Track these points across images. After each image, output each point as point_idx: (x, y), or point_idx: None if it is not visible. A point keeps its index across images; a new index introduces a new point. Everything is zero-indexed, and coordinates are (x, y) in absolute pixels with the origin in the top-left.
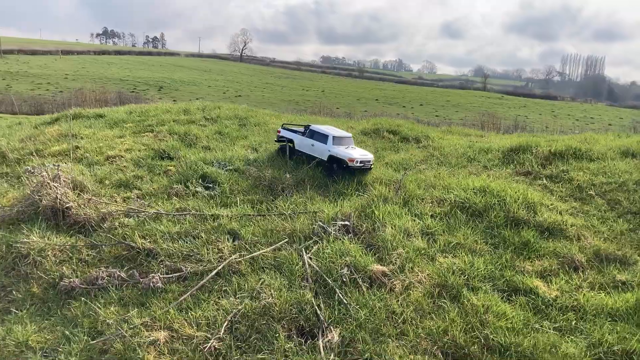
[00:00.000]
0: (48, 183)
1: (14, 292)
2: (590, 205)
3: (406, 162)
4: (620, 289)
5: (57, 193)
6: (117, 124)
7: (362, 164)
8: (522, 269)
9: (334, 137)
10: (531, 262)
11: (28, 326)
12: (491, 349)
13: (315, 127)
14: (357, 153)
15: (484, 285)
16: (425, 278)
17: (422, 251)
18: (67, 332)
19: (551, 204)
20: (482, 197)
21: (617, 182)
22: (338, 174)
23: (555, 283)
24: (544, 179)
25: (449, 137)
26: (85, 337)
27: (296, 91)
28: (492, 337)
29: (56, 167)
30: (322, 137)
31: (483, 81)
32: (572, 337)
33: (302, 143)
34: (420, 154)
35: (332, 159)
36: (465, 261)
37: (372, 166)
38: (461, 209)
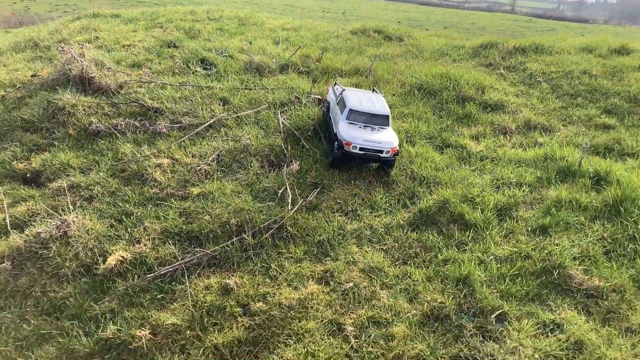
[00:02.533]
0: (76, 58)
1: (55, 132)
2: (535, 89)
3: (383, 55)
4: (537, 147)
5: (83, 65)
6: (131, 21)
7: (362, 152)
8: (459, 133)
9: (350, 110)
10: (469, 128)
11: (68, 154)
12: (414, 178)
13: (348, 91)
14: (368, 135)
15: (423, 141)
16: None
17: None
18: (96, 158)
19: (500, 87)
20: (440, 80)
21: (564, 71)
22: (338, 161)
23: (484, 142)
24: (502, 68)
25: (432, 38)
26: (110, 161)
27: (316, 13)
28: (417, 171)
29: (81, 46)
30: (342, 106)
31: (512, 3)
32: (482, 175)
33: (333, 109)
34: (399, 49)
35: (336, 137)
36: (411, 125)
37: (391, 157)
38: (419, 89)
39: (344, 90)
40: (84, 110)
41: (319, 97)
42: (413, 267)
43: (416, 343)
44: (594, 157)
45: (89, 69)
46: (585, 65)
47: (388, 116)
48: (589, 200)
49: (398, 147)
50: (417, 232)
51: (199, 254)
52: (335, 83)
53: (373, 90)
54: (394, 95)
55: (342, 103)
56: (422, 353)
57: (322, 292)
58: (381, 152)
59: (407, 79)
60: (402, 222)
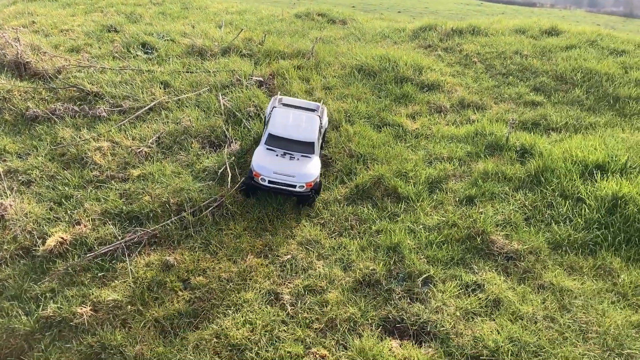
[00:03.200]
0: (10, 43)
1: None
2: (470, 69)
3: (326, 38)
4: (469, 124)
5: (18, 50)
6: (69, 5)
7: (272, 185)
8: (397, 112)
9: (270, 134)
10: (406, 107)
11: (4, 139)
12: (352, 156)
13: (278, 109)
14: (283, 166)
15: (361, 121)
16: None
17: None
18: (34, 143)
19: (437, 68)
20: (380, 61)
21: (497, 52)
22: (247, 190)
23: (420, 120)
24: (439, 50)
25: (375, 21)
26: (48, 146)
27: None
28: (354, 149)
29: (15, 31)
30: (265, 128)
31: None
32: (417, 151)
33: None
34: (342, 32)
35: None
36: (351, 105)
37: (305, 192)
38: (359, 70)
39: (274, 107)
40: (20, 95)
41: (261, 79)
42: (348, 239)
43: (348, 307)
44: (521, 132)
45: (25, 53)
46: (518, 46)
47: (312, 143)
48: (514, 172)
49: (319, 179)
50: (353, 206)
51: (139, 233)
52: (279, 94)
53: (319, 104)
54: (334, 77)
55: (266, 123)
56: (353, 316)
57: (261, 264)
58: (294, 186)
59: (348, 60)
60: (339, 197)
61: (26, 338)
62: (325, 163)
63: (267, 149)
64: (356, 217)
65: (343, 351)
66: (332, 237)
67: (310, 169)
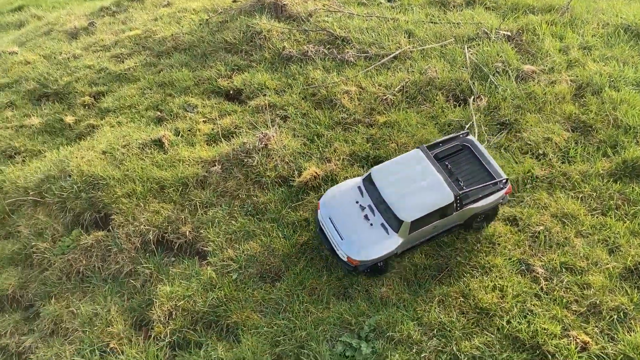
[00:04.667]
0: None
1: (253, 55)
2: None
3: None
4: None
5: None
6: None
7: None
8: None
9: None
10: None
11: (264, 75)
12: (618, 126)
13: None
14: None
15: (628, 87)
16: (571, 77)
17: (575, 61)
18: (289, 81)
19: None
20: None
21: None
22: None
23: None
24: None
25: None
26: (301, 85)
27: None
28: (620, 118)
29: None
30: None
31: None
32: None
33: None
34: None
35: None
36: (615, 68)
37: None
38: (625, 30)
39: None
40: (277, 35)
41: (509, 33)
42: (613, 219)
43: (616, 295)
44: None
45: None
46: None
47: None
48: None
49: (375, 262)
50: (619, 184)
51: None
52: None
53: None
54: (594, 36)
55: None
56: (623, 306)
57: (510, 232)
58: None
59: (611, 18)
60: (601, 172)
61: (284, 259)
62: (583, 130)
63: (358, 187)
64: (623, 197)
65: (610, 343)
66: (593, 214)
67: (371, 244)
